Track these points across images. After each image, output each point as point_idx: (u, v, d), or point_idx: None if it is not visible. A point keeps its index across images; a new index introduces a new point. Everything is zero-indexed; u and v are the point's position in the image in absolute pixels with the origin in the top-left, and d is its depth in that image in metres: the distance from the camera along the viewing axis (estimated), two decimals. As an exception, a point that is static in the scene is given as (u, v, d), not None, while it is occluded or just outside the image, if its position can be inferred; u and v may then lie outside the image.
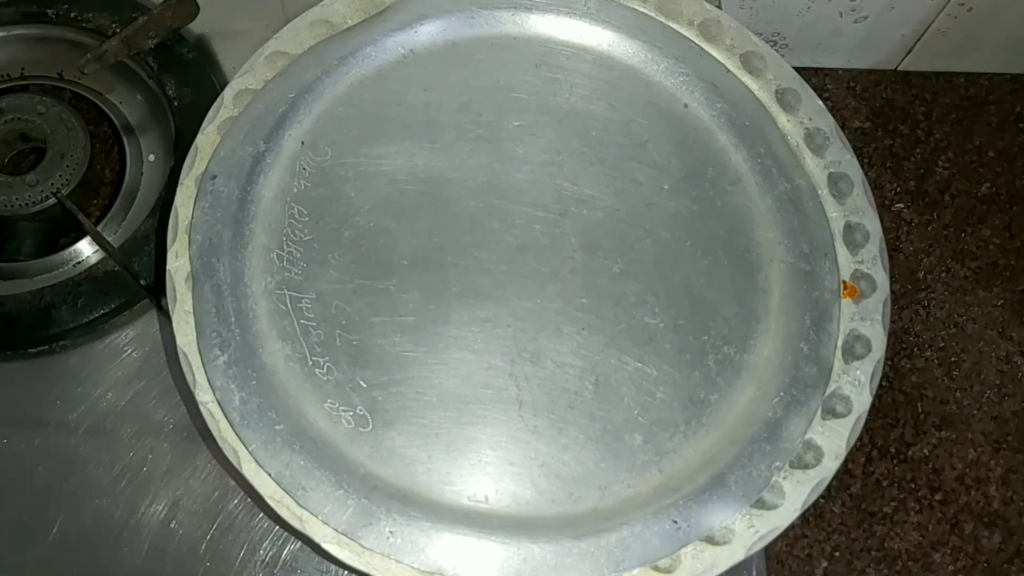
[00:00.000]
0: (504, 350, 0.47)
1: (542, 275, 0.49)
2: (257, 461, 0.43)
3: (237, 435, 0.44)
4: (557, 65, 0.54)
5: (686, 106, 0.54)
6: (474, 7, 0.54)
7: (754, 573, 0.52)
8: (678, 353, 0.48)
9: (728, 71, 0.54)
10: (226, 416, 0.44)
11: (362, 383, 0.46)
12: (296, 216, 0.49)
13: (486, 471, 0.45)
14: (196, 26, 0.61)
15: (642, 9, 0.55)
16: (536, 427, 0.46)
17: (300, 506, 0.43)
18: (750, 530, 0.44)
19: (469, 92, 0.53)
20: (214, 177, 0.49)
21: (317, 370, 0.46)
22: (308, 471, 0.43)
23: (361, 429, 0.45)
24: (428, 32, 0.54)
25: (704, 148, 0.53)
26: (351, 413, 0.45)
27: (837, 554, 0.56)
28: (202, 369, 0.45)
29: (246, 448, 0.43)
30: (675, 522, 0.44)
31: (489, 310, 0.48)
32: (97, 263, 0.56)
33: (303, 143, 0.50)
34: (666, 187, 0.52)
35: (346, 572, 0.52)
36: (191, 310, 0.46)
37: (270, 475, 0.43)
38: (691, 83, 0.54)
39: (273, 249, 0.48)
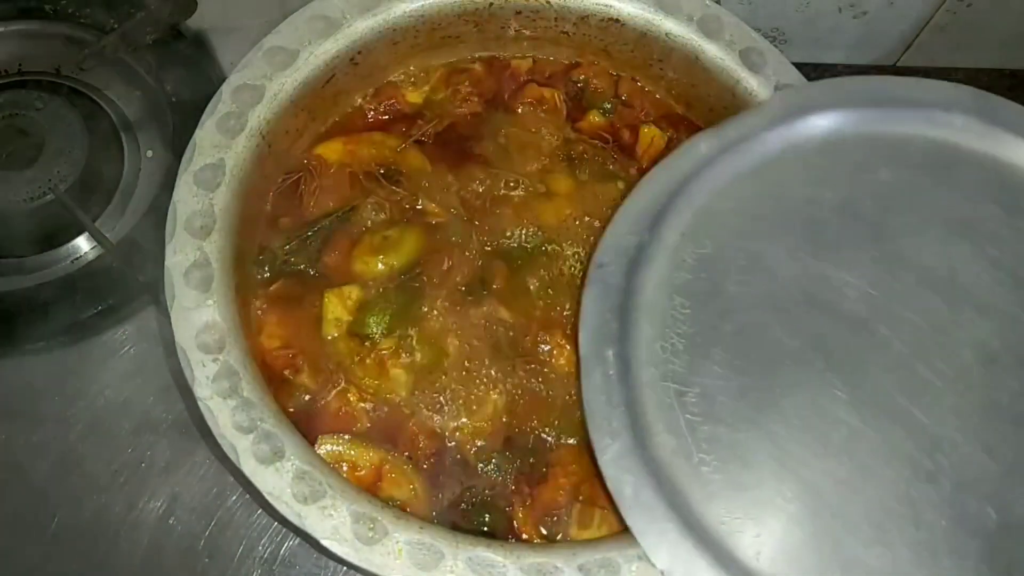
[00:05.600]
0: (897, 467, 0.44)
1: (935, 389, 0.45)
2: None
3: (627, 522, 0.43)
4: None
5: None
6: (866, 103, 0.52)
7: None
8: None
9: None
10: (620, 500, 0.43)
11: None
12: (678, 308, 0.48)
13: None
14: (194, 22, 0.61)
15: (645, 5, 0.55)
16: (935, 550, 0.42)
17: (298, 503, 0.43)
18: None
19: (852, 190, 0.50)
20: (602, 265, 0.48)
21: (703, 467, 0.44)
22: None
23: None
24: (810, 127, 0.51)
25: None
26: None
27: None
28: (200, 365, 0.45)
29: None
30: None
31: (881, 422, 0.45)
32: (95, 259, 0.56)
33: (683, 234, 0.49)
34: None
35: (344, 568, 0.52)
36: (189, 306, 0.46)
37: None
38: None
39: (657, 340, 0.47)
